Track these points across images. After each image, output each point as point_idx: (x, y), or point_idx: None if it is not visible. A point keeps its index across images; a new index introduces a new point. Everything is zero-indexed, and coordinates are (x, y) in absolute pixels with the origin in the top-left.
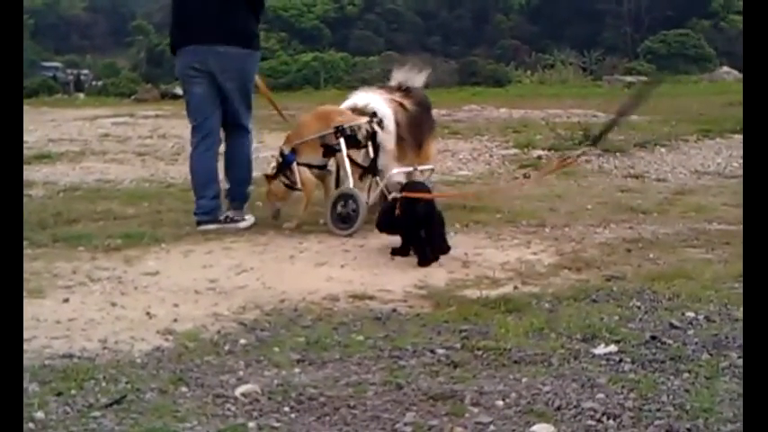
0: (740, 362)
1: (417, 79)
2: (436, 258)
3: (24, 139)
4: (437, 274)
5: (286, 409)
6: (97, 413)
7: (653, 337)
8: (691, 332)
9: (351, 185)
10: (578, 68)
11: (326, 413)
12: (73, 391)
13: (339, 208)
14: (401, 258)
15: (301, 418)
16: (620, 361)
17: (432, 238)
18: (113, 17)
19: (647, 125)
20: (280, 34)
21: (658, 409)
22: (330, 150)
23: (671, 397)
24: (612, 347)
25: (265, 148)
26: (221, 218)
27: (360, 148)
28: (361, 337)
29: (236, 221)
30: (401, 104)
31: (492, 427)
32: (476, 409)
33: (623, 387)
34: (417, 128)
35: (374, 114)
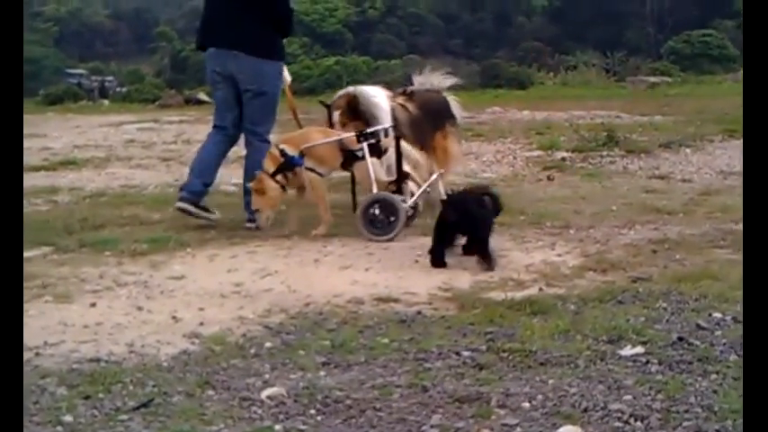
0: None
1: (438, 81)
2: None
3: (50, 145)
4: (461, 277)
5: (312, 411)
6: (125, 416)
7: (680, 339)
8: (718, 333)
9: (376, 190)
10: (601, 70)
11: (352, 416)
12: (101, 395)
13: (377, 212)
14: (425, 261)
15: (327, 420)
16: (647, 362)
17: (471, 243)
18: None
19: (672, 126)
20: (302, 39)
21: (686, 411)
22: (351, 157)
23: (699, 398)
24: (639, 349)
25: None
26: (202, 205)
27: (381, 156)
28: (386, 340)
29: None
30: (402, 105)
31: (518, 430)
32: (502, 412)
33: (651, 389)
34: (419, 128)
35: (355, 98)
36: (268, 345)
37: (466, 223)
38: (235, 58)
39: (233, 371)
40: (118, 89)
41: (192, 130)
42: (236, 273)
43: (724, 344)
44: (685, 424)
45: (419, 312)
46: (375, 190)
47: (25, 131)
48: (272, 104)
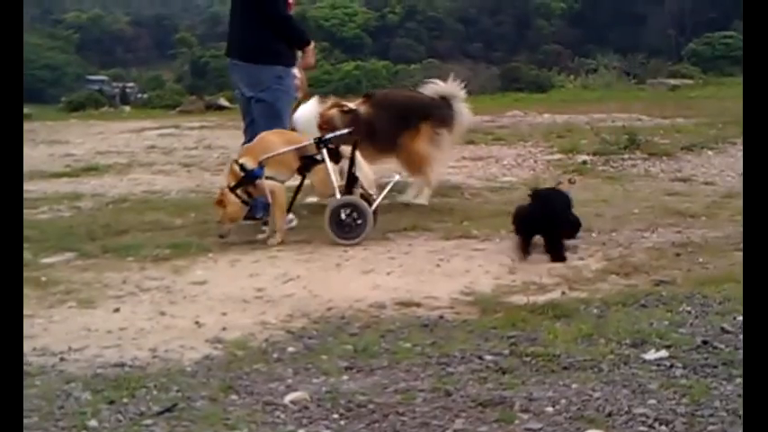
0: None
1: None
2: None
3: (73, 152)
4: (483, 281)
5: (335, 416)
6: (149, 421)
7: (704, 342)
8: (742, 336)
9: (339, 195)
10: (621, 72)
11: (376, 420)
12: (125, 400)
13: (343, 216)
14: (447, 265)
15: (351, 425)
16: (672, 366)
17: (549, 243)
18: (157, 31)
19: (694, 128)
20: (322, 44)
21: (711, 415)
22: (310, 162)
23: (724, 402)
24: (663, 353)
25: None
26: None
27: (338, 161)
28: (408, 345)
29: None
30: (348, 110)
31: None
32: (525, 416)
33: (675, 393)
34: (375, 131)
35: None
36: (291, 349)
37: (548, 219)
38: (235, 67)
39: (256, 375)
40: (139, 95)
41: (212, 135)
42: (258, 278)
43: None
44: (710, 428)
45: (441, 317)
46: (338, 195)
47: (48, 138)
48: (274, 110)
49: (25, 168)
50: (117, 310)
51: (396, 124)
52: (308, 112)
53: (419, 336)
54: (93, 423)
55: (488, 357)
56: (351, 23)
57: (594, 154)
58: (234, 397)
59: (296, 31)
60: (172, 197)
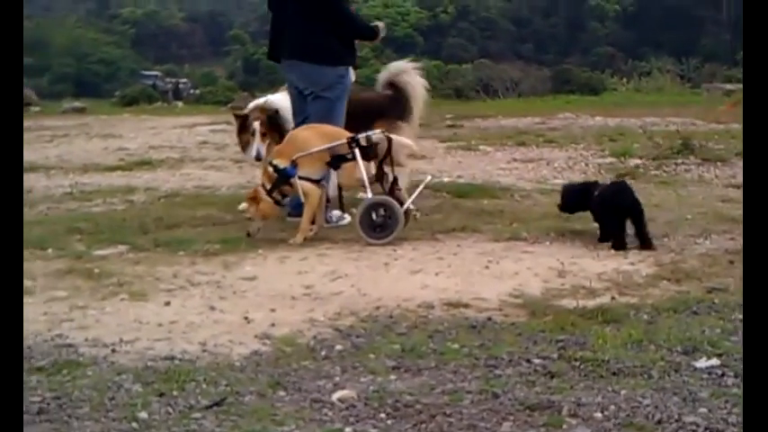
0: None
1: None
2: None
3: (126, 146)
4: (533, 284)
5: (382, 415)
6: (198, 414)
7: None
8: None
9: (370, 194)
10: (675, 76)
11: (423, 420)
12: (174, 392)
13: (374, 216)
14: (496, 266)
15: (398, 424)
16: (723, 375)
17: (639, 232)
18: (211, 27)
19: None
20: (373, 43)
21: None
22: (340, 161)
23: None
24: (715, 361)
25: None
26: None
27: (371, 159)
28: (456, 346)
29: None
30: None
31: None
32: (573, 421)
33: (726, 402)
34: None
35: (276, 111)
36: (338, 347)
37: (636, 208)
38: (293, 66)
39: (304, 372)
40: (191, 91)
41: None
42: (307, 275)
43: None
44: None
45: (489, 318)
46: (369, 194)
47: (102, 132)
48: (334, 108)
49: (80, 161)
50: (168, 303)
51: (358, 124)
52: (279, 102)
53: (467, 337)
54: (143, 415)
55: (537, 361)
56: (403, 23)
57: (647, 158)
58: (282, 393)
59: (364, 27)
60: (223, 193)
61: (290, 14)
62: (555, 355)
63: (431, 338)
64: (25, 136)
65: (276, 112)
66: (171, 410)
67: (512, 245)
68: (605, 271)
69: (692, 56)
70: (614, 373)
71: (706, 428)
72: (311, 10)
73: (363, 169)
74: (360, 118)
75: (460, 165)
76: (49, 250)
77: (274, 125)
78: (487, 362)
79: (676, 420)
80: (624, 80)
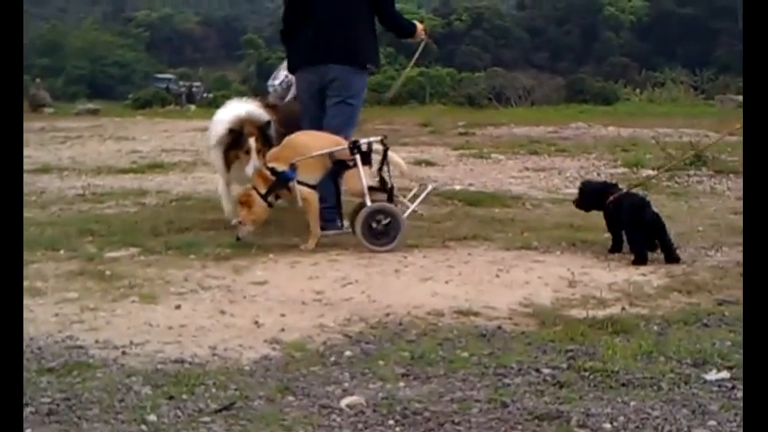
0: None
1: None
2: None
3: (139, 148)
4: (543, 293)
5: (391, 422)
6: (207, 418)
7: None
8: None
9: (369, 202)
10: (689, 87)
11: (431, 428)
12: (184, 396)
13: (374, 224)
14: (506, 275)
15: (406, 431)
16: (733, 388)
17: (664, 245)
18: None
19: None
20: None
21: None
22: (341, 167)
23: None
24: (725, 374)
25: None
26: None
27: (370, 164)
28: (465, 354)
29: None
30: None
31: None
32: (582, 431)
33: (736, 415)
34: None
35: (269, 123)
36: (348, 353)
37: (658, 221)
38: (324, 69)
39: (313, 378)
40: (205, 95)
41: None
42: (318, 280)
43: None
44: None
45: (499, 327)
46: (368, 202)
47: (115, 134)
48: (355, 115)
49: (93, 163)
50: (178, 306)
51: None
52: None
53: (476, 345)
54: (152, 417)
55: (546, 370)
56: None
57: (659, 169)
58: (291, 398)
59: (407, 22)
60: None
61: (334, 17)
62: (564, 365)
63: (440, 346)
64: (39, 137)
65: (268, 123)
66: (180, 414)
67: (522, 254)
68: (616, 281)
69: (705, 67)
70: (624, 384)
71: None
72: (359, 12)
73: (365, 176)
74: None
75: (472, 173)
76: (61, 251)
77: (266, 139)
78: (497, 371)
79: None
80: (638, 90)
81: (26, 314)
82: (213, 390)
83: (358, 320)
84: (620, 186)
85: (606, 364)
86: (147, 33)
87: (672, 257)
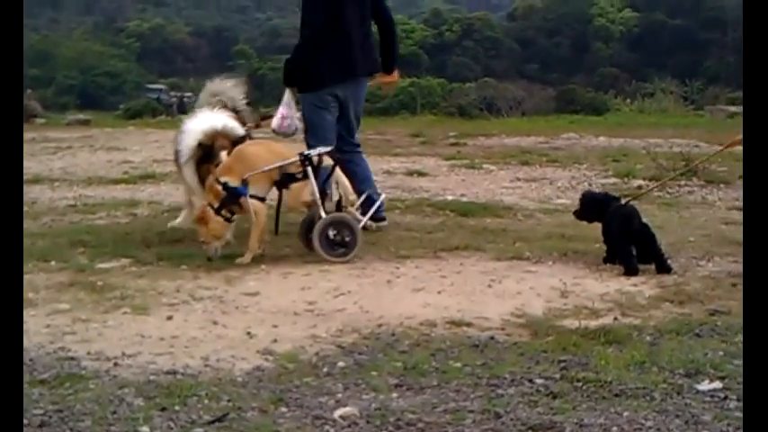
0: None
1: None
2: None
3: (130, 159)
4: (535, 303)
5: None
6: (200, 430)
7: None
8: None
9: (324, 214)
10: (679, 98)
11: None
12: (176, 407)
13: (332, 234)
14: (498, 286)
15: None
16: (726, 398)
17: (654, 256)
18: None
19: None
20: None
21: None
22: (289, 180)
23: None
24: (717, 384)
25: None
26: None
27: (316, 176)
28: (458, 364)
29: None
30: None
31: None
32: None
33: (729, 425)
34: None
35: (243, 138)
36: (341, 364)
37: (647, 231)
38: (355, 84)
39: (306, 389)
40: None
41: None
42: (310, 291)
43: None
44: None
45: (492, 337)
46: (323, 214)
47: (106, 145)
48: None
49: (84, 174)
50: (170, 317)
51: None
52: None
53: (469, 356)
54: (144, 429)
55: (539, 381)
56: (408, 40)
57: (650, 179)
58: (284, 409)
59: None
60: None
61: (361, 32)
62: (557, 376)
63: (433, 357)
64: (30, 147)
65: (243, 138)
66: (173, 425)
67: (515, 264)
68: (608, 292)
69: (695, 78)
70: (616, 395)
71: None
72: (368, 18)
73: (316, 188)
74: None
75: (464, 183)
76: (53, 263)
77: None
78: (490, 381)
79: None
80: (628, 101)
81: None
82: (206, 401)
83: (351, 331)
84: (622, 199)
85: (599, 374)
86: (138, 44)
87: (663, 268)
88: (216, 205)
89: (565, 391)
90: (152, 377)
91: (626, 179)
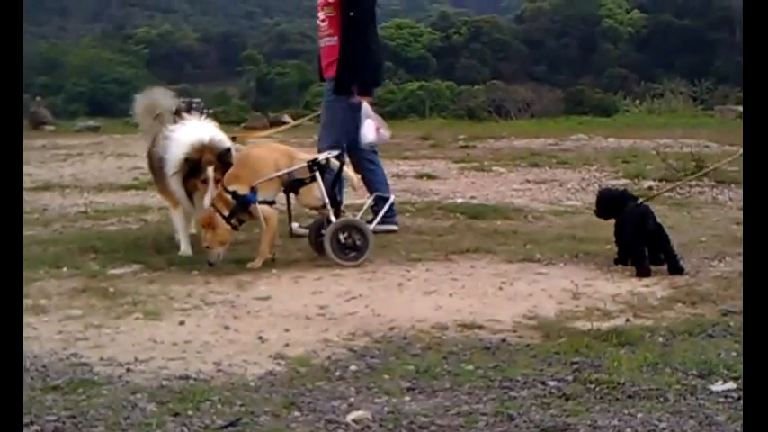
0: None
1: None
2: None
3: (140, 165)
4: (547, 305)
5: None
6: None
7: None
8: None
9: (334, 219)
10: (688, 98)
11: None
12: (189, 412)
13: (342, 239)
14: (510, 288)
15: None
16: (739, 398)
17: (667, 256)
18: (225, 47)
19: None
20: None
21: None
22: (298, 185)
23: None
24: (731, 384)
25: None
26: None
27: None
28: (470, 367)
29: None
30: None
31: None
32: None
33: (743, 425)
34: None
35: (228, 150)
36: (353, 368)
37: (661, 232)
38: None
39: (318, 393)
40: (205, 111)
41: None
42: (321, 295)
43: None
44: None
45: (504, 340)
46: (333, 218)
47: (116, 151)
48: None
49: (95, 180)
50: (182, 322)
51: None
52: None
53: (481, 358)
54: None
55: (551, 383)
56: (416, 43)
57: (661, 180)
58: (296, 413)
59: None
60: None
61: (378, 41)
62: (570, 378)
63: (445, 360)
64: (40, 155)
65: (228, 150)
66: (186, 430)
67: (526, 266)
68: (620, 293)
69: (704, 78)
70: (630, 396)
71: None
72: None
73: (325, 192)
74: None
75: (473, 185)
76: (64, 269)
77: (225, 167)
78: (502, 384)
79: None
80: (637, 102)
81: (30, 332)
82: (219, 406)
83: (362, 335)
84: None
85: (612, 375)
86: (146, 50)
87: (675, 268)
88: (225, 213)
89: (578, 392)
90: (165, 382)
91: (636, 180)
